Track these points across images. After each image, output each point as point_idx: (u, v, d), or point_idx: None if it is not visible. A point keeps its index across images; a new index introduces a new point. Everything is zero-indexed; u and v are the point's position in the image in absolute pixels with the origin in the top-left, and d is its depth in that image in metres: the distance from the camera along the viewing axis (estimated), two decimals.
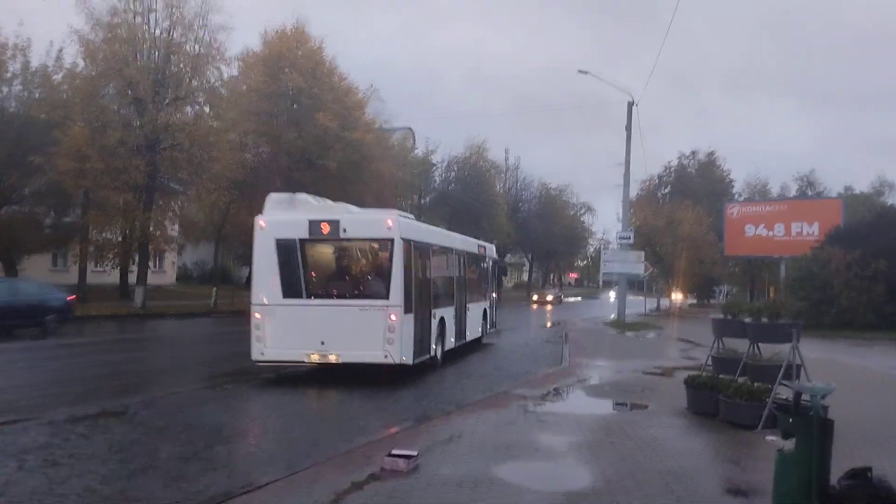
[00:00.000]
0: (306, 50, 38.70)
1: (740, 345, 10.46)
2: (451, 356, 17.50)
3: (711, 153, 69.36)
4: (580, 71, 32.49)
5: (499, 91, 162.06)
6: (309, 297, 13.65)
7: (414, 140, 64.97)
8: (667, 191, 66.96)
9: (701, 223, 48.04)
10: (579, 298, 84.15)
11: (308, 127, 36.67)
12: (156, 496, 6.54)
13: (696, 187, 62.97)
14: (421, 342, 14.62)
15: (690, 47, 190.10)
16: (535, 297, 61.24)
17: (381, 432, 9.02)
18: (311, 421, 10.35)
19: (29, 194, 31.86)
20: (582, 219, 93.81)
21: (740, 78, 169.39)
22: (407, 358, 13.64)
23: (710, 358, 11.10)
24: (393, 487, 6.57)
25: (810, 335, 24.56)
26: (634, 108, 32.49)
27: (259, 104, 36.63)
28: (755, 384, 9.82)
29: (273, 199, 14.33)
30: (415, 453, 7.36)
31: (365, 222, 14.16)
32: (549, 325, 34.13)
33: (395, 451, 7.32)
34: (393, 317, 13.17)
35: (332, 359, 13.37)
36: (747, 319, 10.12)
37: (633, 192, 50.48)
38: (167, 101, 30.93)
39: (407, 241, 13.81)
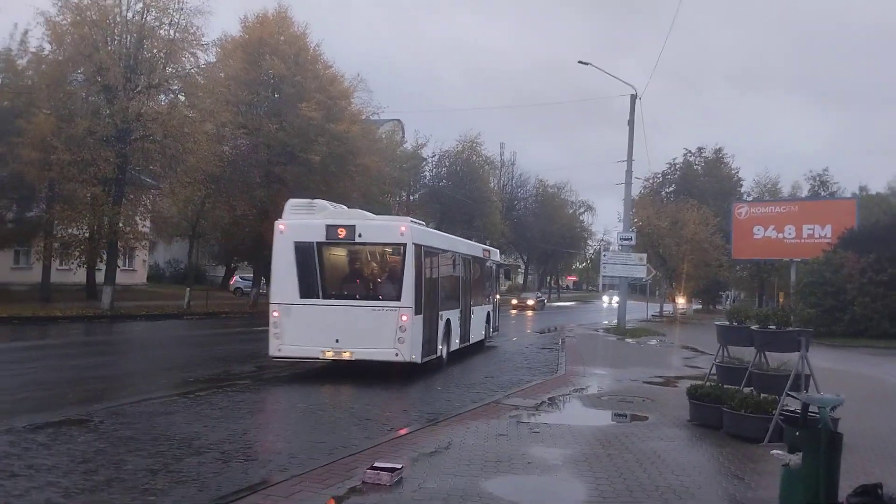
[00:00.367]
0: (289, 36, 38.69)
1: (746, 353, 10.50)
2: (455, 357, 18.84)
3: (719, 150, 69.71)
4: (580, 62, 32.48)
5: (494, 84, 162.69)
6: (325, 297, 15.18)
7: (403, 133, 64.98)
8: (671, 189, 67.16)
9: (707, 224, 48.16)
10: (571, 303, 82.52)
11: (290, 118, 36.63)
12: None
13: (703, 186, 63.21)
14: (429, 343, 16.21)
15: (696, 41, 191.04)
16: (513, 302, 59.36)
17: (368, 443, 9.01)
18: (290, 431, 10.32)
19: None
20: (581, 218, 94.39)
21: (748, 73, 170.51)
22: (416, 357, 15.18)
23: (714, 367, 11.14)
24: (375, 502, 6.56)
25: (821, 344, 24.74)
26: (638, 101, 32.62)
27: (238, 93, 36.56)
28: (761, 395, 9.86)
29: (292, 204, 16.31)
30: (399, 466, 7.35)
31: (379, 228, 15.73)
32: (530, 331, 34.15)
33: (377, 464, 7.31)
34: (404, 317, 14.75)
35: (346, 356, 14.92)
36: (754, 326, 10.14)
37: (636, 190, 50.65)
38: (139, 88, 30.81)
39: (418, 247, 15.41)
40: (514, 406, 11.94)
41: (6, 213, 33.67)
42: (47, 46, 30.67)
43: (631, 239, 33.57)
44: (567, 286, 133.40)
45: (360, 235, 15.21)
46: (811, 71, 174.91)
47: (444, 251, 18.46)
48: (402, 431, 9.83)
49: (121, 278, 35.84)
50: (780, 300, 46.39)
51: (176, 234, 41.41)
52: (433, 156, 62.99)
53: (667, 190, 67.48)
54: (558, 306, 72.33)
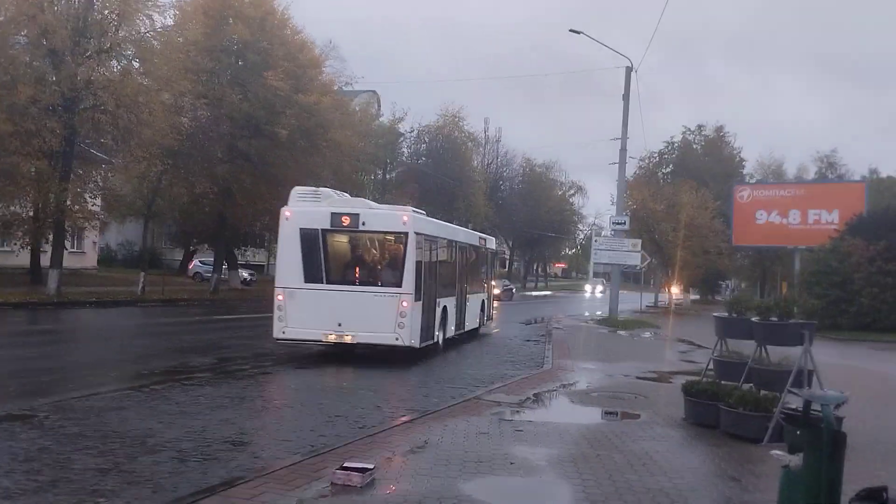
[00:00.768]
0: None
1: (746, 347, 10.59)
2: (450, 344, 20.76)
3: (720, 128, 70.17)
4: (572, 30, 32.50)
5: (477, 54, 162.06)
6: (328, 282, 16.94)
7: (379, 105, 64.70)
8: (668, 170, 67.56)
9: (706, 208, 48.44)
10: (546, 293, 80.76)
11: (255, 87, 36.34)
12: None
13: (702, 167, 63.55)
14: (427, 328, 18.10)
15: (696, 7, 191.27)
16: None
17: (338, 441, 9.03)
18: (253, 428, 10.30)
19: None
20: (571, 201, 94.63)
21: (751, 45, 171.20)
22: (415, 342, 17.00)
23: (711, 361, 11.24)
24: None
25: (826, 337, 25.05)
26: (633, 73, 32.74)
27: (198, 60, 36.19)
28: (761, 392, 9.97)
29: (297, 191, 17.94)
30: (371, 466, 7.37)
31: (382, 216, 17.62)
32: (513, 322, 34.29)
33: (347, 464, 7.32)
34: (405, 303, 16.55)
35: (348, 339, 16.81)
36: (754, 318, 10.23)
37: (630, 171, 50.76)
38: (89, 53, 30.38)
39: (419, 235, 17.32)
40: (496, 402, 12.01)
41: None
42: None
43: (624, 223, 33.74)
44: (555, 274, 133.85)
45: (363, 224, 16.97)
46: (819, 41, 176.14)
47: (444, 240, 20.55)
48: (375, 429, 9.86)
49: (68, 261, 35.50)
50: (783, 290, 46.84)
51: (129, 213, 41.00)
52: (411, 131, 62.72)
53: (664, 171, 67.86)
54: (535, 296, 70.99)
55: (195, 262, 53.21)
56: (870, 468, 8.20)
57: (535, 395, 13.12)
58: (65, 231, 33.18)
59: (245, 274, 49.16)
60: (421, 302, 17.39)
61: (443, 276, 20.09)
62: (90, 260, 48.36)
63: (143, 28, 32.01)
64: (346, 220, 16.97)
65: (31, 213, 31.89)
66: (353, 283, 17.17)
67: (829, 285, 32.03)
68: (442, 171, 59.72)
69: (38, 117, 28.86)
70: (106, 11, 31.04)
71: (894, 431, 10.77)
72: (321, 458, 8.04)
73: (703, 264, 51.43)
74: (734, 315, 10.83)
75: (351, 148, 42.95)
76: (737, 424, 9.76)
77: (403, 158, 63.13)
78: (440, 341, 19.61)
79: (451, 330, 20.87)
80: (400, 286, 16.68)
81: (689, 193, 48.42)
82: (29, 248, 34.69)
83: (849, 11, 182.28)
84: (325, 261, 16.99)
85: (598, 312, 40.29)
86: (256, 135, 36.71)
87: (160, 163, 33.17)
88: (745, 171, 69.33)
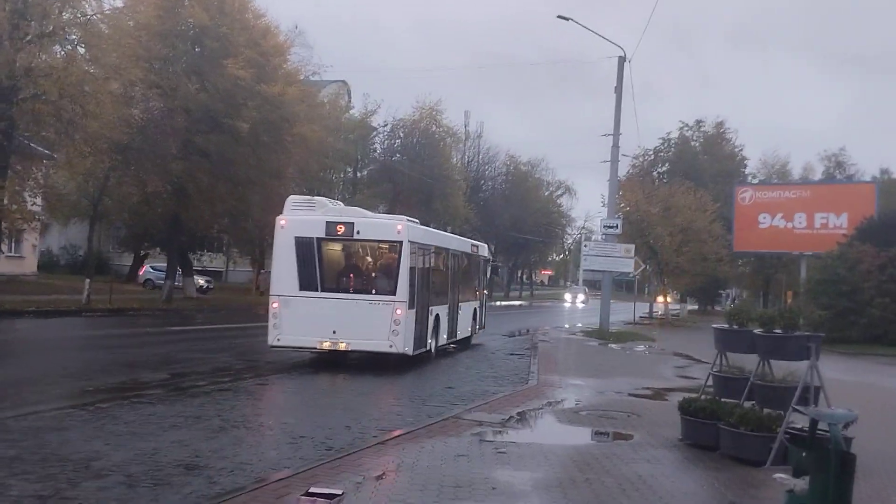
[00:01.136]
0: None
1: (748, 361, 10.65)
2: (441, 353, 22.27)
3: (720, 124, 70.64)
4: (560, 17, 32.54)
5: (456, 42, 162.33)
6: (323, 290, 18.50)
7: (349, 97, 64.59)
8: (664, 169, 67.84)
9: (705, 210, 48.64)
10: (519, 303, 79.61)
11: (213, 77, 36.17)
12: None
13: (701, 166, 63.95)
14: (420, 336, 19.69)
15: None
16: None
17: (303, 464, 8.99)
18: (210, 449, 10.22)
19: None
20: (559, 201, 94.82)
21: (755, 33, 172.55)
22: (408, 349, 18.61)
23: (710, 377, 11.29)
24: None
25: (833, 351, 25.25)
26: (627, 64, 32.88)
27: (150, 46, 35.96)
28: (764, 410, 10.01)
29: (293, 200, 19.81)
30: (339, 492, 7.34)
31: (377, 225, 19.42)
32: (497, 334, 34.32)
33: (313, 489, 7.29)
34: (399, 311, 18.09)
35: (342, 346, 18.29)
36: (757, 330, 10.28)
37: (623, 170, 51.03)
38: (29, 37, 30.10)
39: (413, 244, 18.90)
40: (476, 422, 12.00)
41: None
42: None
43: (616, 227, 33.87)
44: (542, 282, 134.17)
45: (358, 232, 18.62)
46: (826, 31, 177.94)
47: (437, 248, 22.20)
48: (343, 451, 9.82)
49: (5, 267, 35.21)
50: (788, 300, 47.17)
51: (73, 214, 40.71)
52: (385, 125, 62.58)
53: (659, 170, 68.14)
54: (505, 306, 67.66)
55: (146, 267, 52.85)
56: (881, 493, 8.26)
57: (519, 413, 13.11)
58: (1, 233, 32.86)
59: (202, 281, 48.91)
60: (414, 310, 19.01)
61: (435, 285, 21.68)
62: (29, 265, 47.81)
63: (89, 10, 31.68)
64: (340, 229, 18.52)
65: None
66: (348, 291, 18.84)
67: (837, 295, 32.25)
68: (418, 169, 59.60)
69: None
70: None
71: None
72: (284, 484, 8.00)
73: (701, 272, 51.61)
74: (735, 327, 10.87)
75: (318, 143, 42.88)
76: (737, 445, 9.80)
77: (376, 155, 62.96)
78: (432, 349, 21.28)
79: (444, 338, 22.57)
80: (394, 294, 18.26)
81: (686, 195, 48.61)
82: None
83: (860, 1, 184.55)
84: (319, 269, 18.49)
85: (579, 325, 40.37)
86: (215, 129, 36.52)
87: (108, 158, 32.89)
88: (746, 171, 69.96)
